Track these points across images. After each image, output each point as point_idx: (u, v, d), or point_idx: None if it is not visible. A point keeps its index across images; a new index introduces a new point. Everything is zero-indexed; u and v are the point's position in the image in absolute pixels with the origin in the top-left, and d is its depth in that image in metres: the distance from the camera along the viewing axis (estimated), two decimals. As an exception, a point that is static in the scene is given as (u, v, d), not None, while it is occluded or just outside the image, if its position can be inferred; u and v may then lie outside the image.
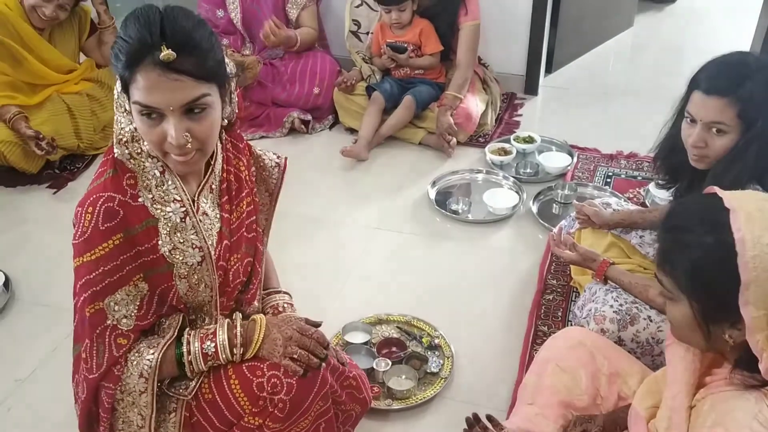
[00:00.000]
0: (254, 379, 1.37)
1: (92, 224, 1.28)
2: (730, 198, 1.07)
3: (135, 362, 1.34)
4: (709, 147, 1.57)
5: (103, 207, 1.28)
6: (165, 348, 1.36)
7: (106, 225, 1.28)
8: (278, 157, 1.64)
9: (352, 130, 3.35)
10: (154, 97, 1.20)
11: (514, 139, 3.17)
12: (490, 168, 3.05)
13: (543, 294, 2.30)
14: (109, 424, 1.38)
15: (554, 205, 2.79)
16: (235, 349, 1.38)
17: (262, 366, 1.38)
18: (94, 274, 1.30)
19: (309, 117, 3.39)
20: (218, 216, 1.44)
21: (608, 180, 2.97)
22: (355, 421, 1.64)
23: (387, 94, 3.24)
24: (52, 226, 2.78)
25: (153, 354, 1.35)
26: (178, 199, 1.36)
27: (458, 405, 1.92)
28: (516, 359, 2.05)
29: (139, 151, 1.32)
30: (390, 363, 1.99)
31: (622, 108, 3.60)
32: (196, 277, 1.39)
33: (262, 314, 1.48)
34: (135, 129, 1.29)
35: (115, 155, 1.32)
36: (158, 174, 1.34)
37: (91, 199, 1.29)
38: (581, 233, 2.19)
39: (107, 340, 1.33)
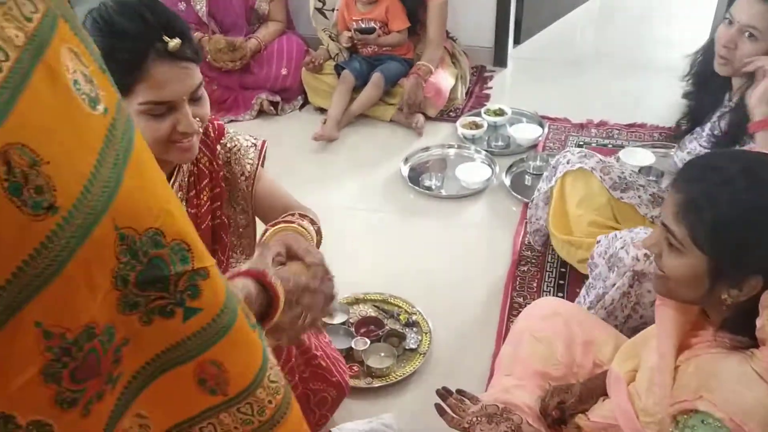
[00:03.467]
0: None
1: None
2: None
3: None
4: (737, 49, 1.66)
5: None
6: None
7: None
8: (255, 138, 1.56)
9: (321, 110, 3.32)
10: (167, 91, 1.18)
11: (484, 113, 3.17)
12: (462, 142, 3.05)
13: (518, 266, 2.32)
14: None
15: (526, 176, 2.80)
16: None
17: None
18: None
19: (278, 98, 3.35)
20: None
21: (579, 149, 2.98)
22: (333, 405, 1.64)
23: (356, 72, 3.21)
24: None
25: None
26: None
27: (438, 379, 1.93)
28: (493, 332, 2.07)
29: None
30: (368, 342, 1.99)
31: (592, 76, 3.60)
32: None
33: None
34: None
35: None
36: None
37: None
38: (569, 184, 2.13)
39: None
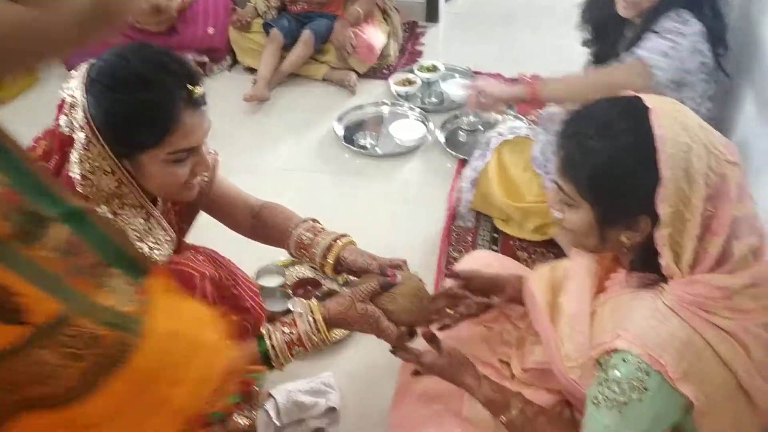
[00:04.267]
0: None
1: None
2: (649, 98, 1.08)
3: None
4: None
5: None
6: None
7: None
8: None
9: (251, 70, 3.23)
10: (194, 137, 1.23)
11: (417, 69, 3.14)
12: (396, 100, 3.03)
13: (453, 221, 2.33)
14: None
15: (460, 132, 2.81)
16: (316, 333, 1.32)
17: None
18: None
19: (205, 59, 3.25)
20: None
21: (511, 103, 2.99)
22: (255, 333, 1.61)
23: (285, 30, 3.13)
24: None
25: None
26: (169, 238, 1.35)
27: (375, 338, 1.93)
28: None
29: (120, 205, 1.27)
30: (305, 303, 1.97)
31: (523, 30, 3.61)
32: None
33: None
34: (117, 187, 1.24)
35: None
36: (143, 222, 1.30)
37: None
38: (507, 154, 2.16)
39: None
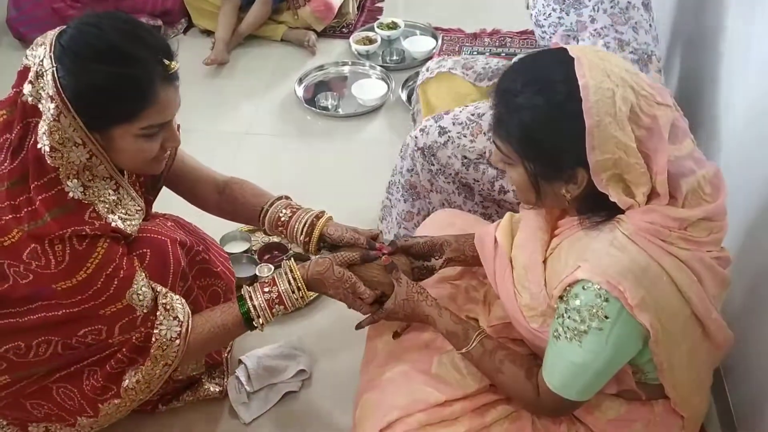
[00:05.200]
0: None
1: (68, 251, 1.22)
2: (572, 49, 1.08)
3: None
4: None
5: (74, 234, 1.22)
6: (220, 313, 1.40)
7: (83, 243, 1.23)
8: None
9: (208, 33, 3.15)
10: (168, 112, 1.24)
11: (377, 27, 3.10)
12: (356, 59, 2.99)
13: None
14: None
15: (423, 90, 2.78)
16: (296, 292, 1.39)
17: None
18: (99, 282, 1.25)
19: (159, 22, 3.14)
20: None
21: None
22: (227, 298, 1.64)
23: (241, -11, 3.05)
24: None
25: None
26: (139, 208, 1.34)
27: (345, 298, 1.96)
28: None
29: (90, 178, 1.24)
30: (273, 267, 1.98)
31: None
32: None
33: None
34: (88, 159, 1.21)
35: (69, 193, 1.22)
36: (112, 192, 1.28)
37: (58, 233, 1.21)
38: (433, 93, 2.10)
39: (138, 322, 1.32)
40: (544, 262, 1.21)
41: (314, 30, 3.08)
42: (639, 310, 1.04)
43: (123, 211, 1.30)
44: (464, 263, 1.50)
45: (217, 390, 1.69)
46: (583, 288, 1.07)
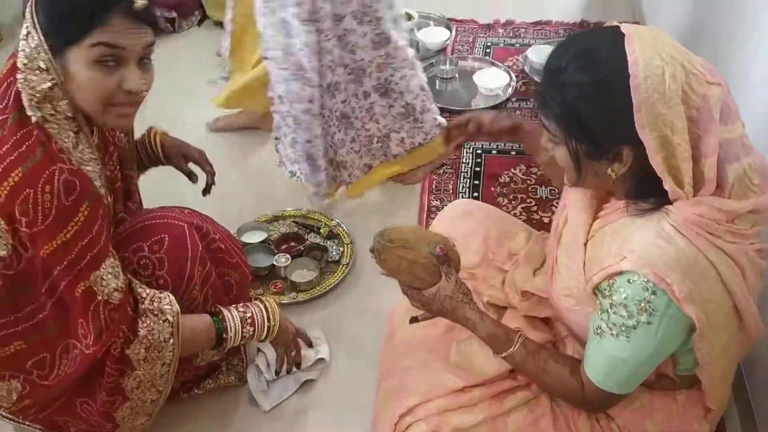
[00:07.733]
0: (129, 266, 1.38)
1: (55, 203, 1.19)
2: (626, 26, 1.07)
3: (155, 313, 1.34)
4: None
5: (61, 180, 1.19)
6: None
7: (70, 198, 1.20)
8: None
9: (222, 24, 3.15)
10: (120, 38, 1.20)
11: (391, 18, 3.09)
12: (371, 50, 2.98)
13: (434, 169, 2.34)
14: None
15: (437, 81, 2.78)
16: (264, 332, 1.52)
17: (130, 256, 1.40)
18: (74, 252, 1.22)
19: (174, 14, 3.15)
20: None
21: (488, 50, 2.98)
22: (239, 290, 1.64)
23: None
24: None
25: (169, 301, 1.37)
26: (94, 157, 1.30)
27: (361, 289, 1.97)
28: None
29: (52, 112, 1.22)
30: (290, 257, 1.99)
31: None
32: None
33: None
34: (50, 88, 1.20)
35: (34, 120, 1.20)
36: (72, 135, 1.25)
37: (45, 176, 1.18)
38: None
39: (102, 315, 1.28)
40: (585, 244, 1.20)
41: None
42: (686, 302, 1.03)
43: (79, 155, 1.26)
44: (522, 140, 1.49)
45: (237, 378, 1.71)
46: (629, 281, 1.06)
